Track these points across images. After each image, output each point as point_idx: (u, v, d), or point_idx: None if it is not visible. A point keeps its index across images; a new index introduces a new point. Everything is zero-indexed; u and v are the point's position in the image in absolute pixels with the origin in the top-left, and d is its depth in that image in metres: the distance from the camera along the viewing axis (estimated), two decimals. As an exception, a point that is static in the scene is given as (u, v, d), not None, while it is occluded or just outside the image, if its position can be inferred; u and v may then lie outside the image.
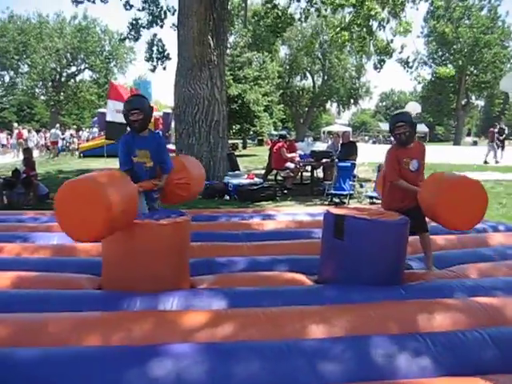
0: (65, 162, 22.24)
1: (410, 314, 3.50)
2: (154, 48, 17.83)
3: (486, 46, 47.32)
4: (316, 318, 3.40)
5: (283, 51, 52.42)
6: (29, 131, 30.85)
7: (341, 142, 12.86)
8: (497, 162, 20.52)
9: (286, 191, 12.11)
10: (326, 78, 54.27)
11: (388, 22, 16.92)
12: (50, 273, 4.42)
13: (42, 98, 52.30)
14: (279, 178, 13.61)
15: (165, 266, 3.94)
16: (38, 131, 33.53)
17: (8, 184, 10.08)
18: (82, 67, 51.72)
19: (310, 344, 3.03)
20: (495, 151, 21.16)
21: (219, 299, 3.74)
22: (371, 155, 18.87)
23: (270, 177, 13.94)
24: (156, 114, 24.36)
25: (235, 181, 11.51)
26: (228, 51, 24.44)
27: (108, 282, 4.10)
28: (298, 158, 13.20)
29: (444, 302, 3.71)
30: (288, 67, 52.15)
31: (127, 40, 18.89)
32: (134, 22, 17.50)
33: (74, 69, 51.82)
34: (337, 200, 10.79)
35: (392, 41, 17.96)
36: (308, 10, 17.80)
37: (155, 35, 17.95)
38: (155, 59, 17.82)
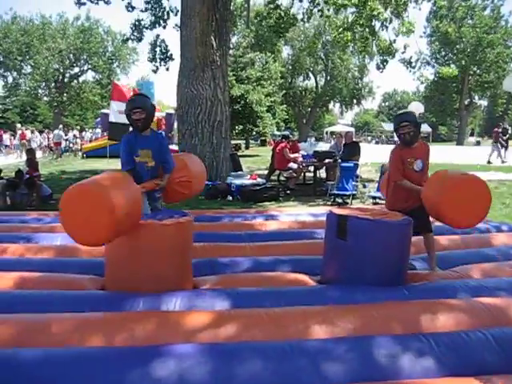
0: (68, 163, 22.28)
1: (413, 314, 3.49)
2: (157, 49, 17.82)
3: (489, 46, 47.25)
4: (319, 318, 3.39)
5: (286, 51, 52.52)
6: (32, 132, 30.92)
7: (343, 142, 12.84)
8: (503, 162, 20.41)
9: (288, 191, 12.10)
10: (328, 78, 54.27)
11: (391, 22, 16.91)
12: (53, 273, 4.42)
13: (45, 98, 52.46)
14: (282, 178, 13.62)
15: (168, 267, 3.94)
16: (41, 132, 33.61)
17: (11, 185, 10.10)
18: (85, 68, 51.90)
19: (313, 344, 3.03)
20: (499, 151, 21.09)
21: (222, 300, 3.74)
22: (374, 155, 18.86)
23: (272, 177, 13.95)
24: (159, 114, 24.36)
25: (238, 181, 11.51)
26: (231, 52, 24.47)
27: (111, 282, 4.10)
28: (300, 159, 13.20)
29: (447, 302, 3.70)
30: (291, 67, 52.17)
31: (130, 41, 18.90)
32: (136, 22, 17.51)
33: (76, 69, 52.06)
34: (340, 200, 10.79)
35: (395, 41, 17.96)
36: (311, 10, 17.79)
37: (158, 36, 17.96)
38: (158, 60, 17.82)
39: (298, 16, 19.18)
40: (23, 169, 11.13)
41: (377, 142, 56.03)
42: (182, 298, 3.71)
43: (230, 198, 11.07)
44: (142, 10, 17.38)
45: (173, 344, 2.97)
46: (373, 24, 16.87)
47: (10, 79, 50.73)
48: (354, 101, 57.51)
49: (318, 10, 17.72)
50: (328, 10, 17.70)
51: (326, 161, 12.46)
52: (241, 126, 29.31)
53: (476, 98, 56.96)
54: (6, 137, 32.17)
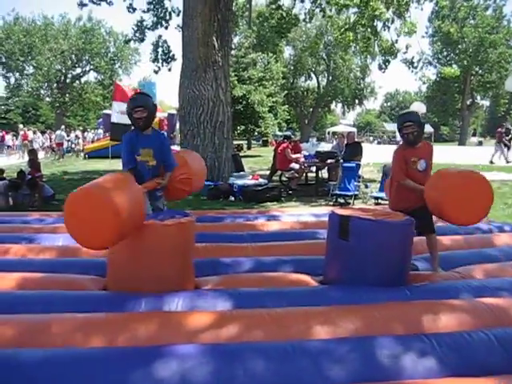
0: (70, 164, 22.31)
1: (415, 314, 3.49)
2: (160, 49, 17.86)
3: (491, 46, 47.19)
4: (321, 318, 3.39)
5: (288, 52, 52.58)
6: (34, 133, 30.97)
7: (345, 142, 12.84)
8: (508, 162, 20.34)
9: (290, 192, 12.10)
10: (330, 78, 54.30)
11: (393, 22, 16.92)
12: (54, 274, 4.42)
13: (47, 99, 52.58)
14: (284, 178, 13.62)
15: (169, 267, 3.93)
16: (43, 132, 33.65)
17: (13, 185, 10.11)
18: (87, 69, 52.00)
19: (315, 345, 3.02)
20: (503, 151, 21.04)
21: (224, 300, 3.74)
22: (376, 156, 18.82)
23: (274, 177, 13.95)
24: (161, 115, 24.42)
25: (240, 181, 11.51)
26: (232, 52, 24.45)
27: (113, 282, 4.10)
28: (302, 159, 13.19)
29: (449, 302, 3.69)
30: (292, 68, 52.20)
31: (132, 41, 18.93)
32: (138, 23, 17.55)
33: (78, 70, 52.19)
34: (342, 200, 10.78)
35: (397, 41, 18.00)
36: (313, 10, 17.80)
37: (160, 36, 18.00)
38: (161, 60, 17.85)
39: (299, 16, 19.21)
40: (25, 169, 11.15)
41: (379, 143, 55.98)
42: (183, 299, 3.71)
43: (232, 198, 11.07)
44: (144, 11, 17.42)
45: (175, 344, 2.97)
46: (375, 24, 16.87)
47: (13, 80, 50.94)
48: (356, 101, 57.52)
49: (320, 10, 17.74)
50: (330, 10, 17.72)
51: (328, 161, 12.46)
52: (243, 127, 29.33)
53: (478, 98, 56.92)
54: (9, 137, 32.28)
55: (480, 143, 52.65)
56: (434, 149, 5.10)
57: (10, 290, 4.01)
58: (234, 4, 15.00)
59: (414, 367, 2.85)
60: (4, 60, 47.73)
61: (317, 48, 44.45)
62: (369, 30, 17.11)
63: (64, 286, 4.08)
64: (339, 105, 61.92)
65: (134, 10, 16.99)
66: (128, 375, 2.66)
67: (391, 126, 61.84)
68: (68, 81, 51.06)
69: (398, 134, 4.88)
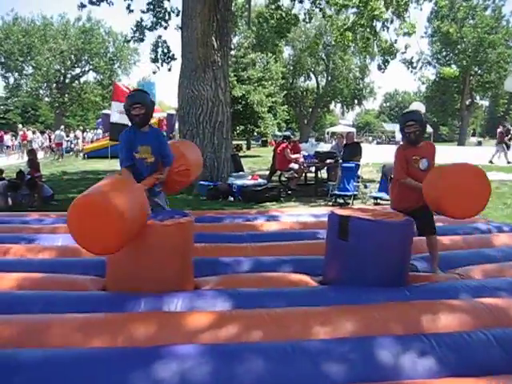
0: (69, 164, 22.32)
1: (414, 315, 3.49)
2: (159, 49, 17.85)
3: (490, 46, 47.16)
4: (321, 319, 3.39)
5: (287, 52, 52.61)
6: (33, 133, 30.97)
7: (345, 142, 12.85)
8: (509, 163, 20.30)
9: (290, 192, 12.11)
10: (329, 78, 54.33)
11: (392, 22, 16.93)
12: (54, 274, 4.42)
13: (47, 99, 52.53)
14: (283, 178, 13.62)
15: (169, 267, 3.93)
16: (42, 133, 33.65)
17: (13, 185, 10.11)
18: (86, 69, 51.99)
19: (315, 345, 3.02)
20: (505, 152, 21.00)
21: (223, 300, 3.74)
22: (375, 156, 18.86)
23: (274, 178, 13.96)
24: (160, 115, 24.42)
25: (239, 182, 11.51)
26: (232, 52, 24.45)
27: (112, 283, 4.10)
28: (301, 159, 13.20)
29: (449, 302, 3.70)
30: (292, 68, 52.25)
31: (131, 41, 18.93)
32: (138, 23, 17.54)
33: (78, 70, 52.18)
34: (341, 201, 10.79)
35: (396, 41, 18.00)
36: (312, 10, 17.80)
37: (160, 37, 17.99)
38: (160, 60, 17.85)
39: (299, 16, 19.20)
40: (25, 169, 11.15)
41: (378, 143, 55.99)
42: (183, 299, 3.71)
43: (232, 198, 11.07)
44: (143, 11, 17.41)
45: (174, 345, 2.97)
46: (374, 24, 16.88)
47: (12, 80, 50.89)
48: (355, 101, 57.56)
49: (320, 10, 17.74)
50: (330, 9, 17.72)
51: (328, 161, 12.48)
52: (242, 127, 29.33)
53: (477, 98, 56.89)
54: (8, 138, 32.25)
55: (479, 143, 52.66)
56: (434, 149, 5.10)
57: (10, 290, 4.01)
58: (233, 4, 15.00)
59: (413, 367, 2.86)
60: (3, 60, 47.70)
61: (316, 48, 44.38)
62: (368, 30, 17.11)
63: (63, 286, 4.08)
64: (338, 105, 62.04)
65: (131, 11, 16.99)
66: (127, 375, 2.66)
67: (390, 126, 61.89)
68: (67, 81, 51.06)
69: (397, 134, 4.90)
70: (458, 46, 49.89)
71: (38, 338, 3.07)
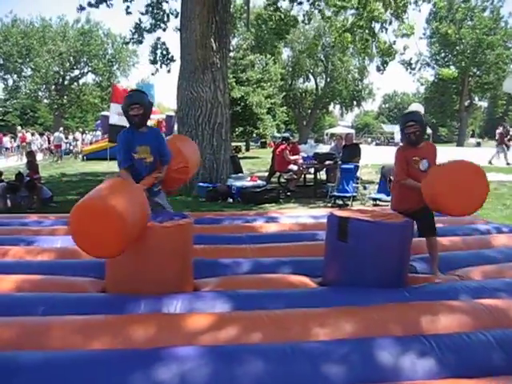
0: (68, 165, 22.33)
1: (414, 316, 3.49)
2: (158, 51, 17.88)
3: (488, 47, 47.22)
4: (320, 320, 3.39)
5: (286, 53, 52.65)
6: (32, 134, 30.97)
7: (344, 143, 12.85)
8: (508, 164, 20.27)
9: (289, 193, 12.11)
10: (328, 80, 54.35)
11: (390, 23, 16.95)
12: (53, 276, 4.42)
13: (46, 101, 52.50)
14: (282, 180, 13.62)
15: (168, 269, 3.93)
16: (41, 134, 33.66)
17: (12, 187, 10.11)
18: (85, 70, 52.02)
19: (314, 346, 3.02)
20: (505, 153, 20.98)
21: (223, 302, 3.74)
22: (374, 157, 18.84)
23: (273, 179, 13.96)
24: (159, 116, 24.43)
25: (238, 183, 11.51)
26: (231, 54, 24.48)
27: (111, 284, 4.10)
28: (301, 161, 13.20)
29: (448, 304, 3.70)
30: (291, 69, 52.28)
31: (130, 43, 18.95)
32: (137, 25, 17.56)
33: (77, 72, 52.20)
34: (340, 202, 10.78)
35: (394, 42, 18.02)
36: (311, 12, 17.82)
37: (159, 38, 18.02)
38: (159, 62, 17.87)
39: (298, 18, 19.23)
40: (24, 171, 11.13)
41: (377, 144, 56.00)
42: (182, 301, 3.71)
43: (231, 200, 11.07)
44: (142, 13, 17.44)
45: (174, 346, 2.96)
46: (373, 26, 16.90)
47: (11, 82, 50.88)
48: (354, 102, 57.60)
49: (319, 11, 17.76)
50: (329, 11, 17.74)
51: (327, 162, 12.47)
52: (241, 128, 29.34)
53: (476, 99, 56.93)
54: (7, 139, 32.25)
55: (478, 144, 52.59)
56: (433, 150, 5.10)
57: (9, 292, 4.00)
58: (231, 6, 15.02)
59: (412, 369, 2.86)
60: (2, 62, 47.68)
61: (315, 49, 44.42)
62: (367, 31, 17.13)
63: (63, 288, 4.07)
64: (337, 106, 62.05)
65: (130, 13, 17.01)
66: (127, 377, 2.66)
67: (389, 128, 61.88)
68: (66, 83, 51.06)
69: (396, 135, 4.90)
70: (457, 47, 49.96)
71: (37, 340, 3.07)
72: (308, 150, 19.69)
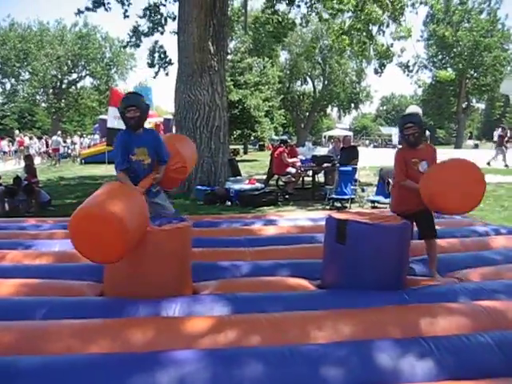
0: (66, 169, 22.29)
1: (412, 318, 3.49)
2: (156, 54, 17.90)
3: (486, 49, 47.34)
4: (319, 323, 3.39)
5: (283, 56, 52.71)
6: (30, 138, 30.93)
7: (341, 146, 12.86)
8: (506, 166, 20.23)
9: (287, 196, 12.10)
10: (326, 82, 54.42)
11: (388, 26, 16.99)
12: (51, 280, 4.41)
13: (43, 105, 52.52)
14: (280, 183, 13.60)
15: (167, 272, 3.93)
16: (39, 138, 33.61)
17: (9, 191, 10.09)
18: (83, 74, 52.03)
19: (313, 349, 3.02)
20: (503, 154, 20.95)
21: (222, 305, 3.73)
22: (372, 159, 18.87)
23: (271, 182, 13.95)
24: (157, 119, 24.40)
25: (237, 186, 11.50)
26: (228, 57, 24.50)
27: (110, 288, 4.09)
28: (299, 163, 13.19)
29: (447, 305, 3.70)
30: (288, 72, 52.34)
31: (128, 47, 18.97)
32: (134, 29, 17.58)
33: (74, 76, 52.23)
34: (338, 204, 10.78)
35: (392, 45, 18.06)
36: (309, 15, 17.85)
37: (156, 42, 18.05)
38: (157, 65, 17.89)
39: (295, 21, 19.25)
40: (21, 175, 11.12)
41: (375, 146, 56.06)
42: (181, 304, 3.70)
43: (229, 203, 11.06)
44: (140, 17, 17.46)
45: (173, 350, 2.96)
46: (370, 28, 16.94)
47: (8, 86, 50.95)
48: (352, 105, 57.61)
49: (316, 14, 17.79)
50: (326, 14, 17.77)
51: (325, 165, 12.48)
52: (239, 131, 29.32)
53: (473, 101, 57.03)
54: (4, 143, 32.16)
55: (476, 146, 52.69)
56: (431, 152, 5.10)
57: (7, 296, 3.99)
58: (229, 9, 15.03)
59: (411, 371, 2.86)
60: (0, 66, 47.69)
61: (312, 52, 44.59)
62: (364, 34, 17.16)
63: (61, 292, 4.07)
64: (335, 109, 62.18)
65: (127, 16, 17.03)
66: (126, 381, 2.65)
67: (387, 130, 62.01)
68: (64, 86, 51.08)
69: (393, 137, 4.90)
70: (454, 50, 50.06)
71: (36, 344, 3.06)
72: (306, 153, 19.67)
